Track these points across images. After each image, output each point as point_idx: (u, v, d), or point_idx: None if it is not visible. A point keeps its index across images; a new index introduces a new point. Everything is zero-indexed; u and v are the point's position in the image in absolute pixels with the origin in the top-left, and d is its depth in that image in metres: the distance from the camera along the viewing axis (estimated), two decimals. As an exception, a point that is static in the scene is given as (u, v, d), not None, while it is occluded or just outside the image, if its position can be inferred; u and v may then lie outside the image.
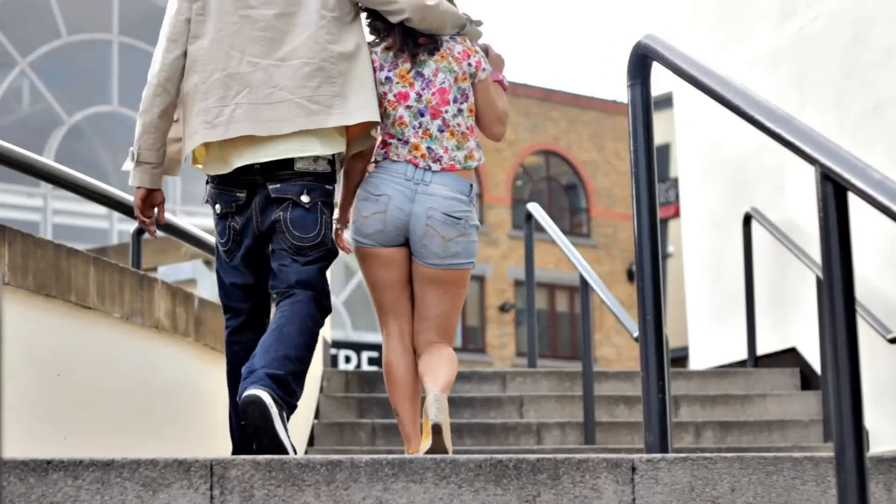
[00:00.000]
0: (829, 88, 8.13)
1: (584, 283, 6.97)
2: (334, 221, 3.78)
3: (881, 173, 2.36)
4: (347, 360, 22.83)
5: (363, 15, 3.82)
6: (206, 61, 3.67)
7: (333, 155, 3.68)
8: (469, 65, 3.85)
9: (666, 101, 16.53)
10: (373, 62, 3.79)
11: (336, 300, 22.40)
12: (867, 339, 6.82)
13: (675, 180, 20.32)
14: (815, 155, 2.46)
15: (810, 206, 7.80)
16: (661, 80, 28.02)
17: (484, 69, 3.87)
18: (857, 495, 2.31)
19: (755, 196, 8.79)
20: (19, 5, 21.20)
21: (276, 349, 3.43)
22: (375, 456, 2.90)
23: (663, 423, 3.28)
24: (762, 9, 9.00)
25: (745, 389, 7.77)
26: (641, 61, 3.44)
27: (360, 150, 3.81)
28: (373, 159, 3.84)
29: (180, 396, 4.79)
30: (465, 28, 3.87)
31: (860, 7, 7.91)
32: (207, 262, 8.95)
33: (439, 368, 3.74)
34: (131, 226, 5.09)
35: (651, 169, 3.41)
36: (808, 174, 2.73)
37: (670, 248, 25.21)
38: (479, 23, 3.93)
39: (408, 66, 3.80)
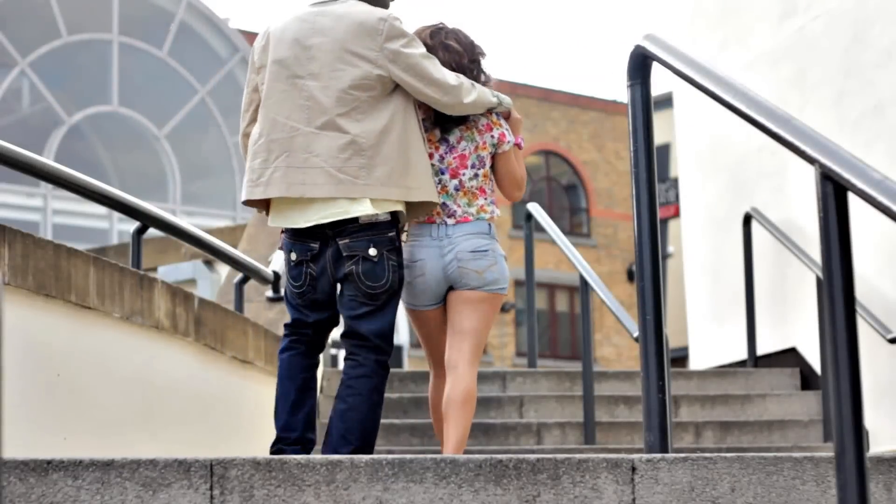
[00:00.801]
0: (829, 88, 8.13)
1: (584, 283, 6.97)
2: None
3: (881, 173, 2.36)
4: (347, 360, 22.83)
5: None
6: (258, 125, 4.09)
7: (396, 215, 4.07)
8: (492, 136, 4.31)
9: (666, 101, 16.52)
10: None
11: (336, 300, 22.42)
12: (867, 339, 6.82)
13: (675, 180, 20.32)
14: (815, 155, 2.46)
15: (810, 206, 7.80)
16: (661, 80, 28.01)
17: (508, 141, 4.31)
18: (857, 495, 2.31)
19: (755, 196, 8.79)
20: (19, 5, 21.21)
21: (340, 422, 4.00)
22: (375, 456, 2.90)
23: (663, 423, 3.28)
24: (762, 9, 9.00)
25: (745, 389, 7.76)
26: (641, 62, 3.44)
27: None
28: (404, 227, 4.27)
29: (180, 396, 4.79)
30: (495, 109, 4.27)
31: (860, 7, 7.91)
32: (207, 262, 8.95)
33: (453, 420, 4.12)
34: (131, 226, 5.09)
35: (651, 169, 3.41)
36: (808, 174, 2.73)
37: (670, 248, 25.21)
38: (507, 101, 4.32)
39: (437, 132, 4.27)
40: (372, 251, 4.00)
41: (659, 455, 3.00)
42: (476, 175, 4.27)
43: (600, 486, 2.88)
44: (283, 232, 4.13)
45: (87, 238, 19.86)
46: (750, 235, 8.40)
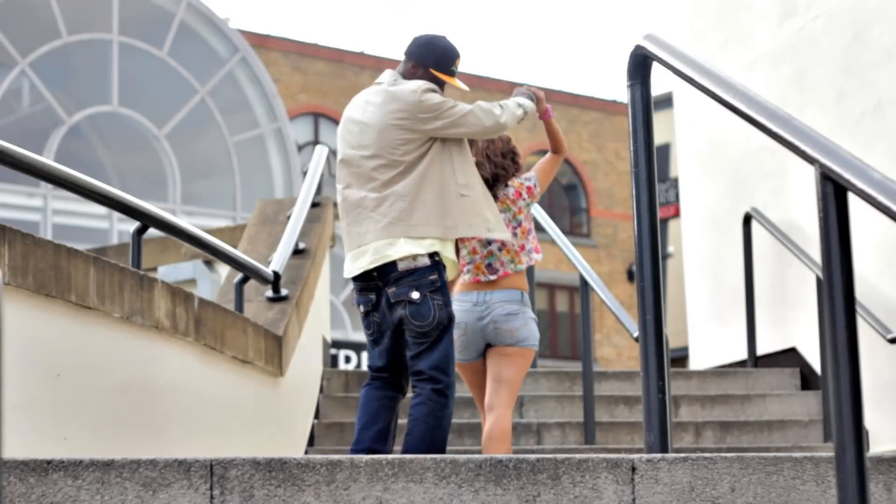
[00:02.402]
0: (829, 88, 8.13)
1: (584, 283, 6.97)
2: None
3: (881, 173, 2.36)
4: (347, 360, 22.82)
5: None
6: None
7: (435, 258, 4.58)
8: (522, 199, 5.14)
9: (666, 101, 16.52)
10: None
11: (336, 300, 22.41)
12: (867, 339, 6.82)
13: (675, 180, 20.31)
14: (815, 155, 2.46)
15: (810, 206, 7.80)
16: (661, 80, 28.01)
17: (535, 186, 5.17)
18: (857, 495, 2.31)
19: (755, 196, 8.79)
20: (19, 5, 21.19)
21: (408, 442, 4.53)
22: (375, 456, 2.90)
23: (663, 423, 3.28)
24: (762, 9, 9.00)
25: (745, 389, 7.77)
26: (641, 62, 3.44)
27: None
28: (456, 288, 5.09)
29: (180, 396, 4.79)
30: (525, 116, 4.80)
31: (860, 7, 7.91)
32: (207, 262, 8.94)
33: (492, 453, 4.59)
34: (131, 226, 5.08)
35: (651, 169, 3.41)
36: (808, 174, 2.73)
37: (670, 248, 25.21)
38: (528, 106, 4.83)
39: None
40: (415, 294, 4.52)
41: (659, 455, 3.00)
42: (515, 234, 5.06)
43: (600, 486, 2.89)
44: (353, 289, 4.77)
45: (87, 238, 19.85)
46: (750, 235, 8.40)
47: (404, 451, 4.48)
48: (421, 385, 4.57)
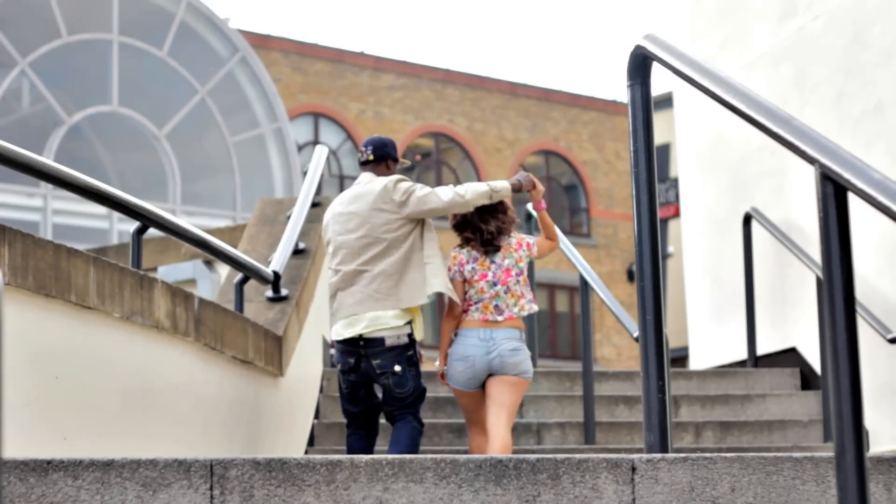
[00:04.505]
0: (829, 88, 8.13)
1: (584, 283, 6.97)
2: (437, 366, 5.89)
3: (881, 173, 2.36)
4: (347, 360, 22.83)
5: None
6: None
7: (411, 329, 5.60)
8: (524, 249, 5.89)
9: (666, 101, 16.52)
10: (460, 260, 5.82)
11: (336, 300, 22.38)
12: (867, 339, 6.82)
13: (675, 180, 20.32)
14: (815, 155, 2.46)
15: (810, 206, 7.80)
16: (661, 80, 28.00)
17: (533, 247, 5.92)
18: (857, 495, 2.31)
19: (755, 196, 8.79)
20: (19, 5, 21.19)
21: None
22: (375, 456, 2.90)
23: (663, 423, 3.28)
24: (762, 9, 9.00)
25: (745, 389, 7.76)
26: (641, 62, 3.44)
27: (451, 314, 5.78)
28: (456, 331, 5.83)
29: (180, 396, 4.79)
30: (492, 197, 5.73)
31: (860, 7, 7.91)
32: (207, 262, 8.94)
33: None
34: (131, 226, 5.08)
35: (651, 169, 3.41)
36: (808, 174, 2.73)
37: (670, 248, 25.21)
38: (503, 189, 5.78)
39: (485, 258, 5.81)
40: (397, 367, 5.52)
41: (659, 455, 3.00)
42: (518, 281, 5.82)
43: (600, 486, 2.89)
44: (331, 346, 5.80)
45: (87, 238, 19.85)
46: (750, 235, 8.40)
47: (394, 447, 5.48)
48: (402, 419, 5.65)
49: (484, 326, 5.75)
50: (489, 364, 5.72)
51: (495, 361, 5.72)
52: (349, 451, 5.73)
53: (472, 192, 5.68)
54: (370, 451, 5.74)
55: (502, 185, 5.79)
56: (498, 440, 5.62)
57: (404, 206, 5.58)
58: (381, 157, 5.84)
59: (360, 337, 5.50)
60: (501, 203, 5.93)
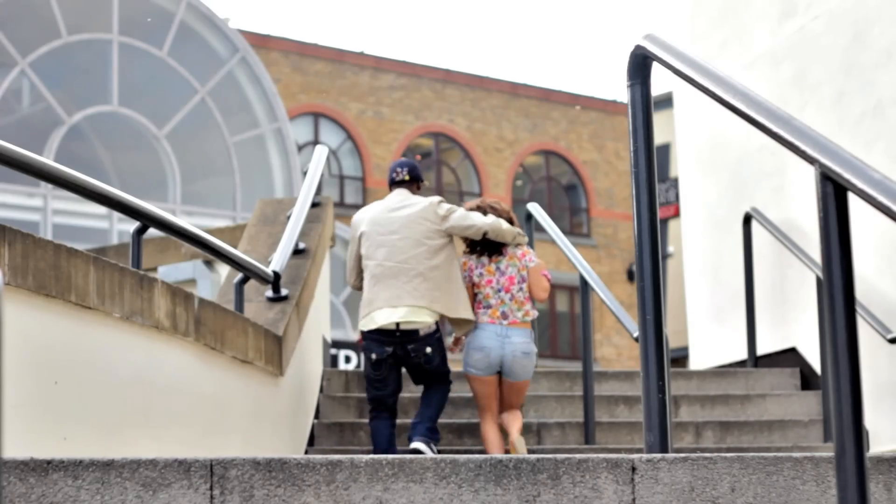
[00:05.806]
0: (829, 88, 8.13)
1: (584, 283, 6.98)
2: (450, 345, 6.71)
3: (881, 173, 2.36)
4: (347, 360, 22.82)
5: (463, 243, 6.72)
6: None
7: (437, 322, 6.47)
8: (527, 259, 6.57)
9: (666, 101, 16.52)
10: (469, 266, 6.58)
11: (336, 300, 22.40)
12: (867, 339, 6.82)
13: (675, 180, 20.31)
14: (815, 155, 2.46)
15: (810, 206, 7.80)
16: (661, 80, 28.02)
17: (532, 261, 6.58)
18: (857, 495, 2.31)
19: (755, 196, 8.79)
20: (19, 5, 21.19)
21: (427, 409, 6.41)
22: (375, 456, 2.90)
23: (663, 423, 3.28)
24: (762, 9, 9.00)
25: (745, 389, 7.76)
26: (641, 62, 3.44)
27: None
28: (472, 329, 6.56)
29: (180, 396, 4.79)
30: (517, 239, 6.57)
31: (860, 7, 7.91)
32: (207, 262, 8.94)
33: (514, 422, 6.47)
34: (131, 226, 5.08)
35: (651, 169, 3.41)
36: (808, 174, 2.73)
37: (670, 248, 25.21)
38: (523, 236, 6.65)
39: (491, 265, 6.55)
40: (428, 349, 6.38)
41: (659, 455, 3.00)
42: (521, 288, 6.51)
43: (600, 486, 2.89)
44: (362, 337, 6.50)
45: (87, 238, 19.84)
46: (750, 235, 8.40)
47: (425, 404, 6.40)
48: (439, 378, 6.51)
49: (497, 323, 6.45)
50: (503, 356, 6.39)
51: (509, 356, 6.39)
52: (373, 432, 6.37)
53: (489, 226, 6.55)
54: (393, 431, 6.38)
55: (524, 239, 6.77)
56: (512, 425, 6.40)
57: (446, 221, 6.49)
58: (414, 178, 6.76)
59: (398, 327, 6.31)
60: (507, 212, 6.77)
